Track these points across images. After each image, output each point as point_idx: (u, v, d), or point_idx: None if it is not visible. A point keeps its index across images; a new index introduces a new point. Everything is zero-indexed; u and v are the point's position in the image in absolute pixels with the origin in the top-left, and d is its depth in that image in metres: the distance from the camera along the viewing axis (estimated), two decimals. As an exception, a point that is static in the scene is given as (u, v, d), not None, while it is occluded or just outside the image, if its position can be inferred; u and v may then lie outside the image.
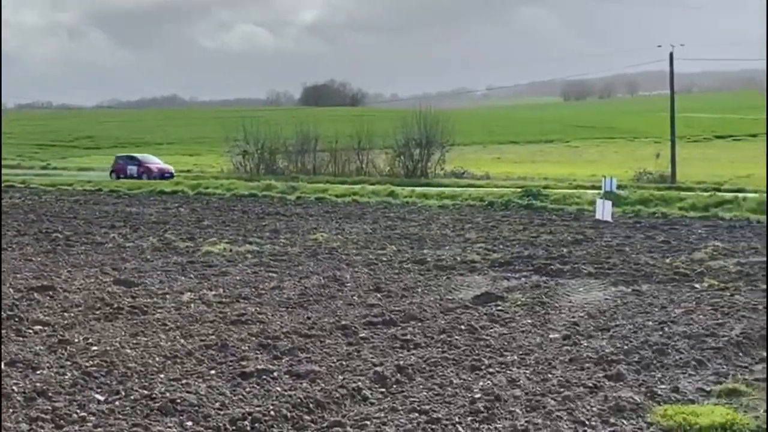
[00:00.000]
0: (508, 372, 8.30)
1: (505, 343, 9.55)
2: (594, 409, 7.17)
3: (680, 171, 43.91)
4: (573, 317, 11.06)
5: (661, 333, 9.99)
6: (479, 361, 8.69)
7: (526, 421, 6.80)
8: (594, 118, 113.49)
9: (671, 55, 46.10)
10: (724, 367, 8.66)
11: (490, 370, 8.40)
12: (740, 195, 28.94)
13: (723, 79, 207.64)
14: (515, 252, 17.38)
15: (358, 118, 65.07)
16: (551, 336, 9.97)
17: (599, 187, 32.93)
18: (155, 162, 52.30)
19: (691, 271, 14.75)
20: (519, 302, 12.03)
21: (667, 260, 16.06)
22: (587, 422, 6.87)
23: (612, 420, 6.95)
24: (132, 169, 50.22)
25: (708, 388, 7.88)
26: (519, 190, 32.85)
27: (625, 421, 6.94)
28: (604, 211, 24.27)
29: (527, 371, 8.35)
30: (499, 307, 11.65)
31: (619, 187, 32.90)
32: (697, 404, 7.35)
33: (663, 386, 7.88)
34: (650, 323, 10.58)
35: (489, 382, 7.92)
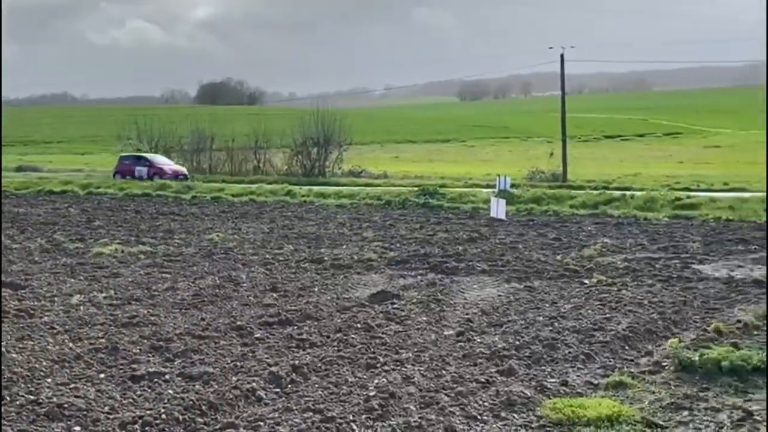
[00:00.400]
0: (403, 369, 8.36)
1: (401, 341, 9.62)
2: (486, 403, 7.29)
3: (571, 170, 45.07)
4: (467, 314, 11.22)
5: (551, 328, 10.23)
6: (375, 359, 8.72)
7: (419, 417, 6.87)
8: (489, 118, 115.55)
9: (562, 56, 47.27)
10: (611, 360, 8.94)
11: (386, 367, 8.44)
12: (628, 193, 29.86)
13: (612, 80, 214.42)
14: (412, 250, 17.53)
15: (255, 116, 64.75)
16: (446, 333, 10.10)
17: (494, 186, 33.53)
18: (167, 163, 48.03)
19: (580, 267, 15.16)
20: (415, 300, 12.13)
21: (558, 257, 16.46)
22: (479, 417, 6.99)
23: (503, 414, 7.09)
24: (141, 170, 45.91)
25: (596, 381, 8.11)
26: (416, 189, 33.13)
27: (515, 415, 7.08)
28: (498, 209, 24.70)
29: (422, 368, 8.43)
30: (395, 305, 11.73)
31: (512, 185, 33.55)
32: (585, 397, 7.54)
33: (552, 380, 8.07)
34: (541, 318, 10.83)
35: (384, 379, 7.96)
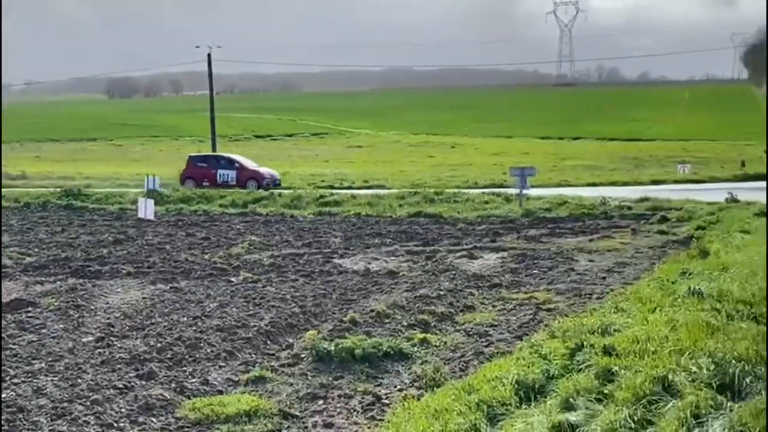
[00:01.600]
0: (35, 381, 7.91)
1: (34, 351, 9.09)
2: (123, 410, 7.12)
3: (223, 169, 45.24)
4: (108, 318, 10.87)
5: (195, 327, 10.21)
6: (4, 373, 8.16)
7: (50, 430, 6.53)
8: (139, 116, 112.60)
9: (209, 56, 47.40)
10: (253, 356, 9.11)
11: (15, 380, 7.93)
12: (276, 191, 30.60)
13: (262, 81, 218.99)
14: (52, 255, 16.64)
15: None
16: (84, 339, 9.70)
17: (143, 186, 32.75)
18: (257, 165, 37.20)
19: (228, 265, 15.28)
20: (52, 307, 11.52)
21: (206, 256, 16.46)
22: (115, 424, 6.80)
23: (141, 419, 6.95)
24: (227, 174, 35.28)
25: (236, 378, 8.22)
26: (59, 190, 31.46)
27: (154, 419, 6.98)
28: (147, 209, 24.16)
29: (55, 378, 8.02)
30: (30, 314, 11.06)
31: (162, 185, 32.99)
32: (226, 394, 7.63)
33: (193, 380, 8.06)
34: (185, 319, 10.78)
35: (13, 393, 7.47)
